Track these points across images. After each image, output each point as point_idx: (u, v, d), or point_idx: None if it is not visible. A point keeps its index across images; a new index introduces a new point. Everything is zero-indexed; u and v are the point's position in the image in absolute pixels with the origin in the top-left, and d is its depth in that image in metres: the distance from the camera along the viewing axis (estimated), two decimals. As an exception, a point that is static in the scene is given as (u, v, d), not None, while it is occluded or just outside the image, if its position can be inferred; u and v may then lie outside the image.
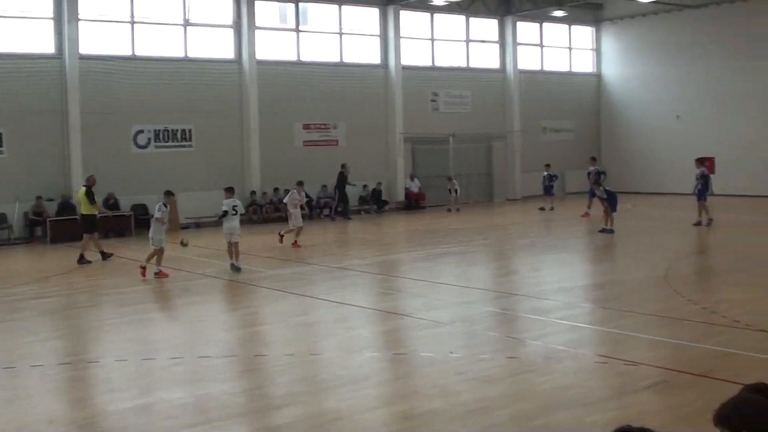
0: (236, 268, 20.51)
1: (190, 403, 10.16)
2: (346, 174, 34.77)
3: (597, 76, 47.46)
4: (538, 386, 10.50)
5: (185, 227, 31.81)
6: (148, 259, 20.37)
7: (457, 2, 38.82)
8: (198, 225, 32.33)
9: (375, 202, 37.63)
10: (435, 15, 40.52)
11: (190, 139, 33.35)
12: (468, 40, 42.11)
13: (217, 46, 34.37)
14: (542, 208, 36.26)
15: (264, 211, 34.02)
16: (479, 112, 41.95)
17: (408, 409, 9.77)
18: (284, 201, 26.34)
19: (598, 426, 8.96)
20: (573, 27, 46.21)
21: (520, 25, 43.55)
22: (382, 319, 15.34)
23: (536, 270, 21.17)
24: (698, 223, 28.37)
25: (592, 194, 32.17)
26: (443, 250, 23.74)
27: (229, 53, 34.55)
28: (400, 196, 38.87)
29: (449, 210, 36.44)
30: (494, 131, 42.59)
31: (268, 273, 20.74)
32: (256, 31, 34.77)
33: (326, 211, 35.73)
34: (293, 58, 36.25)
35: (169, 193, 21.00)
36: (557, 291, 17.48)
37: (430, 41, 40.76)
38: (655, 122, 44.35)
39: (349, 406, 9.82)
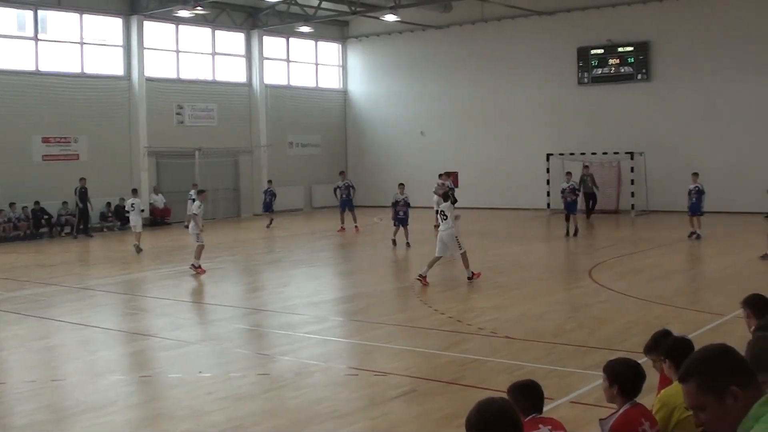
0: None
1: None
2: (85, 188, 33.53)
3: (343, 92, 48.20)
4: (290, 401, 10.42)
5: None
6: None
7: (203, 15, 38.32)
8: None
9: (118, 219, 36.42)
10: (180, 27, 39.85)
11: None
12: (214, 53, 41.71)
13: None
14: (270, 222, 35.69)
15: (0, 230, 32.18)
16: (226, 126, 41.58)
17: (156, 432, 9.45)
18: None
19: (351, 438, 8.99)
20: (320, 43, 46.74)
21: (267, 39, 43.59)
22: (128, 340, 14.80)
23: (285, 285, 21.11)
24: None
25: (344, 209, 32.62)
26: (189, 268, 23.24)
27: (-40, 62, 32.63)
28: (145, 212, 37.85)
29: (186, 226, 35.87)
30: (241, 145, 42.33)
31: (5, 295, 19.64)
32: (-9, 39, 33.04)
33: (67, 229, 34.24)
34: (31, 67, 34.61)
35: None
36: (306, 305, 17.49)
37: (175, 53, 40.06)
38: (400, 138, 45.53)
39: (94, 432, 9.38)
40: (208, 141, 40.08)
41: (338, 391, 10.94)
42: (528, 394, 5.87)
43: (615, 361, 6.10)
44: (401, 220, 27.44)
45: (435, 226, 32.77)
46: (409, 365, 11.98)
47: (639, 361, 6.17)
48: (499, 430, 4.18)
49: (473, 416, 4.21)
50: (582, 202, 34.10)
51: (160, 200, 38.05)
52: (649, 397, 6.38)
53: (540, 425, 5.68)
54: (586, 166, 36.29)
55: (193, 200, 35.96)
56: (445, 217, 19.85)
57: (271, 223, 35.42)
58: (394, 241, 27.17)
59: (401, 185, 28.57)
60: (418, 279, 19.30)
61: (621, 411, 5.83)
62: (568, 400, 9.87)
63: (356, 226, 32.49)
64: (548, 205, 38.53)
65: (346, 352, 13.52)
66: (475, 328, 14.30)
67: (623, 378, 5.88)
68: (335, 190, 34.04)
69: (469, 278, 19.60)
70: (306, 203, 45.04)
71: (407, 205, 27.61)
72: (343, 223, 32.75)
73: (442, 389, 10.65)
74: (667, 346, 6.30)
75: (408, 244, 26.98)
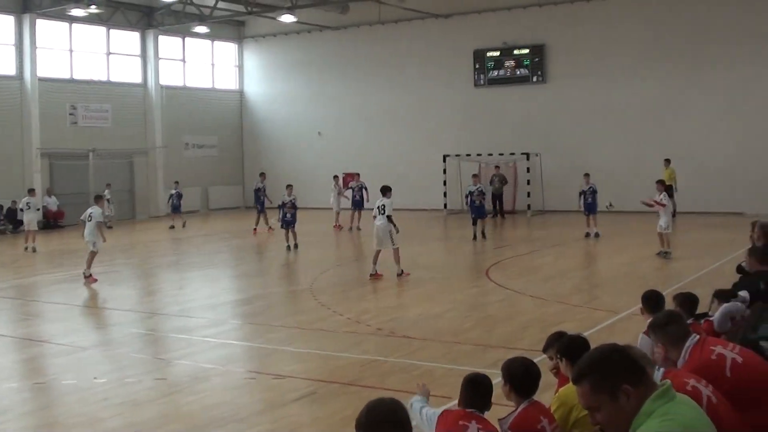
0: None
1: None
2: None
3: (240, 93, 47.86)
4: (188, 406, 10.31)
5: None
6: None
7: (97, 13, 37.57)
8: None
9: (10, 222, 35.48)
10: (74, 25, 39.05)
11: None
12: (108, 53, 40.98)
13: None
14: (172, 227, 35.34)
15: None
16: (120, 127, 40.90)
17: (49, 439, 9.24)
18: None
19: (250, 442, 8.93)
20: (216, 43, 46.33)
21: (162, 39, 43.02)
22: (20, 346, 14.42)
23: (181, 288, 20.91)
24: (350, 229, 32.52)
25: (262, 210, 32.37)
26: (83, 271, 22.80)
27: None
28: (39, 213, 36.94)
29: (110, 227, 35.46)
30: (136, 147, 41.71)
31: None
32: None
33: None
34: None
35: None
36: (204, 308, 17.33)
37: (69, 52, 39.24)
38: (297, 138, 45.42)
39: (-15, 442, 9.15)
40: (102, 142, 39.38)
41: (237, 394, 10.86)
42: (471, 389, 5.91)
43: (509, 360, 6.19)
44: (288, 222, 26.84)
45: (334, 226, 33.07)
46: (308, 368, 11.96)
47: (536, 360, 6.26)
48: (388, 431, 4.21)
49: (363, 417, 4.25)
50: (489, 203, 34.92)
51: (53, 202, 37.22)
52: (548, 395, 6.49)
53: (472, 421, 5.69)
54: (497, 167, 36.96)
55: (108, 201, 35.51)
56: (382, 212, 20.21)
57: (183, 224, 35.57)
58: (288, 247, 26.67)
59: (289, 186, 28.17)
60: (371, 277, 20.08)
61: (518, 410, 5.91)
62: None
63: (255, 228, 32.20)
64: (445, 205, 38.92)
65: (244, 356, 13.43)
66: (374, 328, 14.36)
67: (514, 377, 5.98)
68: (256, 191, 33.65)
69: (398, 275, 20.10)
70: (203, 205, 44.56)
71: (294, 207, 27.09)
72: (268, 223, 32.31)
73: (342, 391, 10.65)
74: (563, 345, 6.41)
75: (296, 246, 26.66)
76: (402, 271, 20.21)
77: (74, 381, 11.59)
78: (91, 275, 20.98)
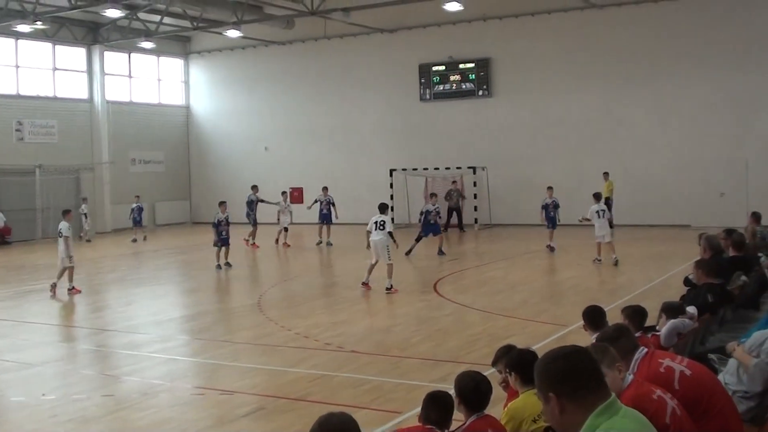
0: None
1: None
2: None
3: (186, 108, 47.64)
4: (136, 422, 10.29)
5: None
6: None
7: (42, 29, 37.29)
8: None
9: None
10: (20, 41, 38.69)
11: None
12: (54, 69, 40.66)
13: None
14: (134, 240, 35.93)
15: None
16: (67, 143, 40.56)
17: (-3, 458, 9.19)
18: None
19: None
20: (162, 58, 46.11)
21: (108, 54, 42.72)
22: (-35, 363, 14.29)
23: (129, 304, 20.75)
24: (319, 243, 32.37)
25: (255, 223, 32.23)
26: (30, 288, 22.59)
27: None
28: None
29: (81, 238, 35.36)
30: (83, 162, 41.35)
31: None
32: None
33: None
34: None
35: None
36: (151, 324, 17.28)
37: (15, 68, 38.87)
38: (244, 153, 45.32)
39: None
40: (48, 158, 39.04)
41: (185, 410, 10.86)
42: (432, 405, 5.98)
43: (461, 374, 6.27)
44: (224, 240, 26.37)
45: (277, 241, 32.64)
46: (256, 383, 11.99)
47: (486, 373, 6.35)
48: None
49: (316, 431, 4.32)
50: (446, 216, 35.76)
51: (0, 219, 36.81)
52: (497, 408, 6.59)
53: None
54: (454, 182, 37.30)
55: (85, 215, 35.82)
56: (382, 228, 20.76)
57: (144, 238, 36.31)
58: (228, 264, 26.27)
59: (222, 203, 27.71)
60: (363, 286, 20.65)
61: (466, 424, 5.96)
62: (415, 414, 10.05)
63: (254, 243, 31.99)
64: (392, 219, 38.87)
65: (192, 371, 13.42)
66: (322, 343, 14.40)
67: (464, 391, 6.05)
68: (249, 203, 33.10)
69: (387, 289, 20.22)
70: (149, 220, 44.16)
71: (229, 224, 26.81)
72: (254, 238, 32.08)
73: (290, 406, 10.69)
74: (512, 359, 6.50)
75: (228, 264, 26.28)
76: (391, 285, 20.30)
77: (22, 398, 11.53)
78: (74, 287, 21.37)
